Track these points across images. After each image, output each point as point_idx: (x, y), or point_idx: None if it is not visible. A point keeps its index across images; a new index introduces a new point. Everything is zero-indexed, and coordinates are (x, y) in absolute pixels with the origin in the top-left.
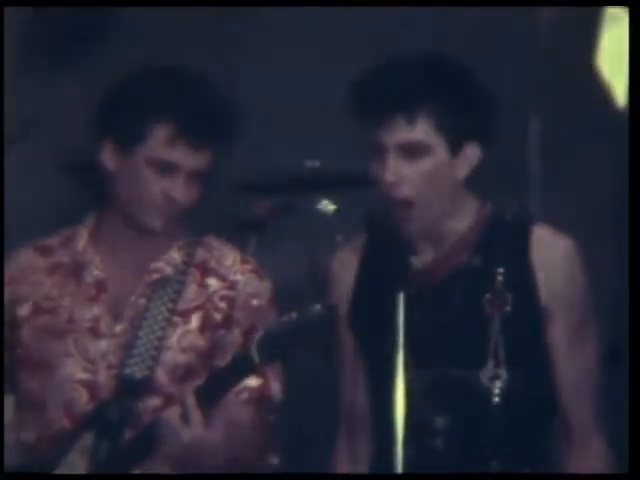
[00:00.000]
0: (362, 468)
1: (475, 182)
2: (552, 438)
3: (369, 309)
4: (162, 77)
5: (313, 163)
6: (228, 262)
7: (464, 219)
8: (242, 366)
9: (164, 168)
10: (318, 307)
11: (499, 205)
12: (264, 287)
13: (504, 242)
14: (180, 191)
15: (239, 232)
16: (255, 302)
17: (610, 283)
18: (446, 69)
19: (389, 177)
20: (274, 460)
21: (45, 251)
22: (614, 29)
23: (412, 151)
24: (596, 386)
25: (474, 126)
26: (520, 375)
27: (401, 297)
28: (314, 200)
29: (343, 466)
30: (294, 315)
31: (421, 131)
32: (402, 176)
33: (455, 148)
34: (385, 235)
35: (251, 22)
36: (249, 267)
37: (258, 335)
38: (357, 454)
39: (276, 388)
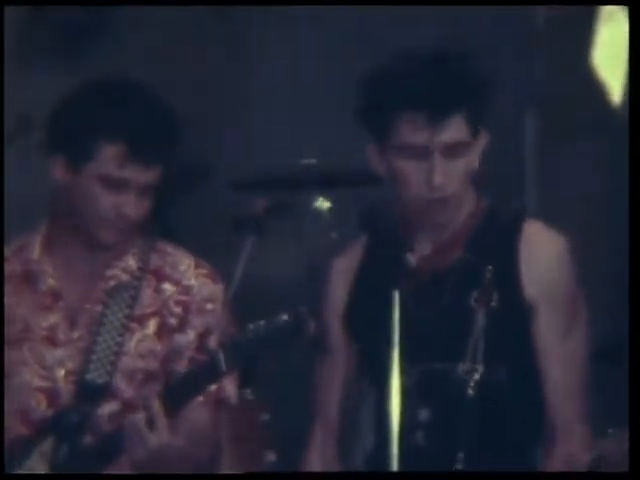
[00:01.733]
0: (350, 466)
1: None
2: (532, 433)
3: (365, 307)
4: (109, 94)
5: (309, 161)
6: (182, 267)
7: (462, 212)
8: (208, 373)
9: (115, 185)
10: (285, 316)
11: (496, 201)
12: (218, 290)
13: (496, 238)
14: (131, 206)
15: (235, 231)
16: (210, 306)
17: (608, 280)
18: (467, 65)
19: (438, 180)
20: (271, 457)
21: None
22: (612, 27)
23: (456, 150)
24: (582, 383)
25: (485, 112)
26: (498, 370)
27: (397, 295)
28: (310, 198)
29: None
30: (262, 324)
31: (462, 131)
32: (449, 177)
33: (475, 137)
34: (381, 233)
35: (252, 19)
36: (203, 271)
37: (225, 343)
38: (344, 453)
39: (231, 390)
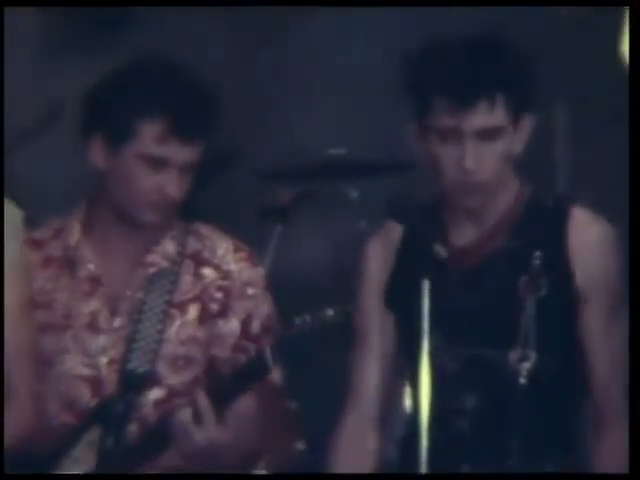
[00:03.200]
0: (390, 451)
1: (520, 159)
2: (580, 421)
3: (401, 294)
4: (149, 73)
5: (338, 151)
6: (221, 251)
7: (505, 198)
8: (256, 371)
9: (156, 164)
10: (331, 312)
11: (539, 188)
12: (258, 274)
13: (542, 225)
14: (173, 185)
15: (264, 219)
16: (251, 290)
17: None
18: (503, 50)
19: (470, 164)
20: (300, 446)
21: (37, 244)
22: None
23: (491, 134)
24: (629, 371)
25: (528, 97)
26: (550, 357)
27: (426, 284)
28: (338, 187)
29: (350, 444)
30: (308, 319)
31: (499, 115)
32: (481, 161)
33: (516, 123)
34: (410, 221)
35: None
36: (242, 255)
37: (273, 339)
38: (365, 436)
39: (276, 375)
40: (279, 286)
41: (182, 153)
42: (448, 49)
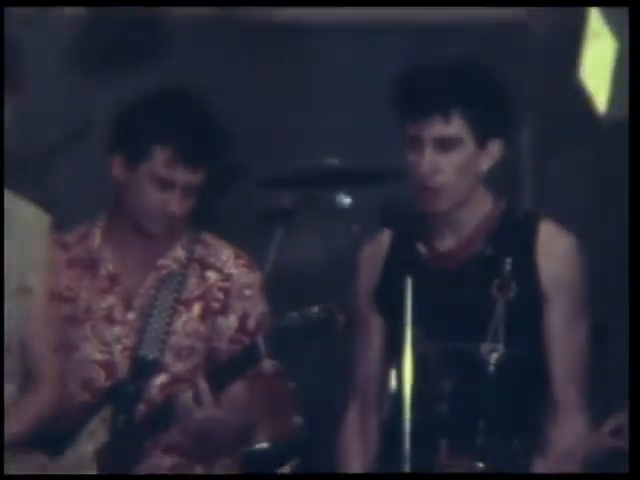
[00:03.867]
0: (372, 431)
1: (492, 179)
2: (540, 407)
3: (390, 292)
4: (163, 105)
5: (332, 161)
6: (224, 257)
7: (480, 211)
8: (250, 358)
9: (163, 184)
10: (316, 309)
11: (511, 204)
12: (255, 279)
13: (513, 236)
14: (176, 204)
15: (267, 221)
16: (248, 292)
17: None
18: (476, 74)
19: (426, 167)
20: (298, 420)
21: (64, 247)
22: (597, 45)
23: (446, 144)
24: (583, 366)
25: (499, 125)
26: (515, 350)
27: (409, 281)
28: (333, 194)
29: (355, 428)
30: (295, 316)
31: (455, 127)
32: (437, 166)
33: (482, 143)
34: (398, 225)
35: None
36: (242, 262)
37: (264, 329)
38: (368, 419)
39: (268, 366)
40: (279, 282)
41: (186, 177)
42: (420, 69)
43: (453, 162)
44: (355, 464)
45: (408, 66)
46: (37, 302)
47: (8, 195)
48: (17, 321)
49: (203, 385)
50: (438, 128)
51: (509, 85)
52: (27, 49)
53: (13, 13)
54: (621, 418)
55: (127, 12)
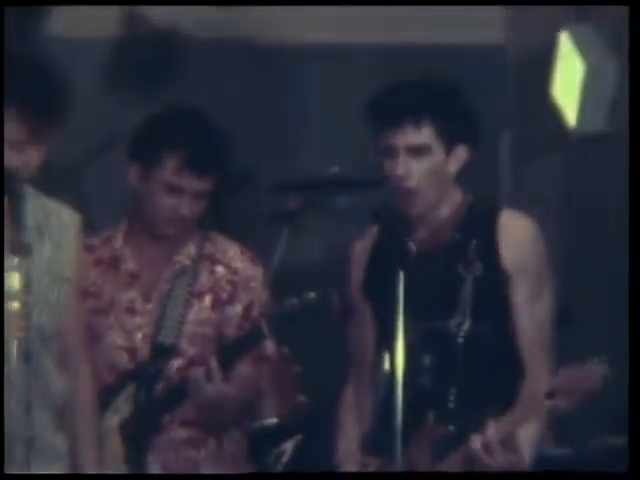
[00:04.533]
0: (366, 403)
1: (461, 177)
2: (506, 372)
3: (378, 281)
4: (175, 120)
5: (333, 169)
6: (231, 253)
7: (450, 206)
8: (254, 339)
9: (173, 191)
10: (313, 295)
11: (477, 196)
12: (259, 272)
13: (479, 223)
14: (186, 208)
15: (274, 222)
16: (252, 284)
17: (558, 252)
18: (442, 88)
19: (400, 172)
20: (302, 399)
21: (90, 249)
22: (566, 63)
23: (418, 151)
24: (546, 337)
25: (464, 132)
26: (482, 323)
27: (401, 273)
28: (333, 197)
29: (351, 405)
30: (295, 301)
31: (425, 136)
32: (410, 171)
33: (449, 149)
34: (389, 225)
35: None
36: (247, 257)
37: (267, 314)
38: (363, 393)
39: (270, 347)
40: (285, 275)
41: (194, 184)
42: (392, 85)
43: (423, 167)
44: (352, 442)
45: (383, 82)
46: (69, 296)
47: (46, 198)
48: (54, 311)
49: (213, 363)
50: (410, 137)
51: (474, 97)
52: (64, 71)
53: (52, 37)
54: (554, 382)
55: (148, 35)
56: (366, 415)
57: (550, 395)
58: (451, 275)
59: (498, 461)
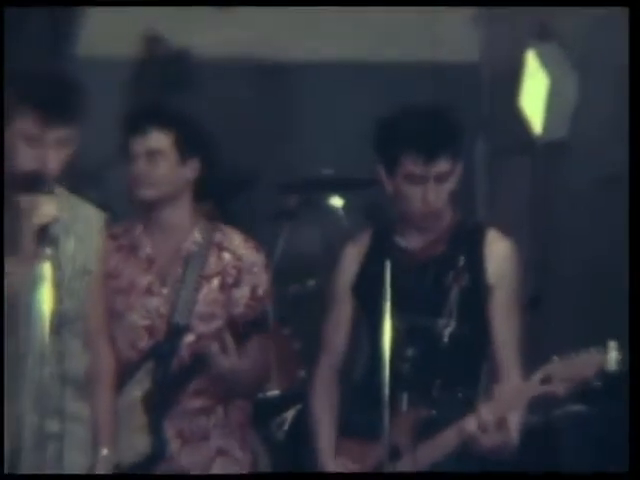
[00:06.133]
0: (335, 389)
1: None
2: (482, 368)
3: (368, 278)
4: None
5: (328, 171)
6: (236, 242)
7: (444, 221)
8: (262, 319)
9: (148, 156)
10: (312, 282)
11: (465, 215)
12: (261, 259)
13: (466, 239)
14: (153, 169)
15: (275, 219)
16: (255, 269)
17: (527, 256)
18: (449, 118)
19: (432, 198)
20: (301, 374)
21: (113, 236)
22: (534, 77)
23: (442, 179)
24: (519, 337)
25: (460, 150)
26: (464, 326)
27: (389, 264)
28: (328, 197)
29: (324, 386)
30: (296, 287)
31: (445, 164)
32: (438, 196)
33: (455, 165)
34: (381, 224)
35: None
36: (251, 245)
37: (272, 299)
38: (332, 379)
39: (277, 328)
40: (285, 267)
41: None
42: (408, 119)
43: (446, 190)
44: (327, 417)
45: (388, 115)
46: (95, 282)
47: (73, 197)
48: (79, 297)
49: (228, 338)
50: (439, 167)
51: (455, 112)
52: (89, 87)
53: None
54: (548, 369)
55: (164, 54)
56: (336, 400)
57: (545, 381)
58: (441, 283)
59: (493, 440)
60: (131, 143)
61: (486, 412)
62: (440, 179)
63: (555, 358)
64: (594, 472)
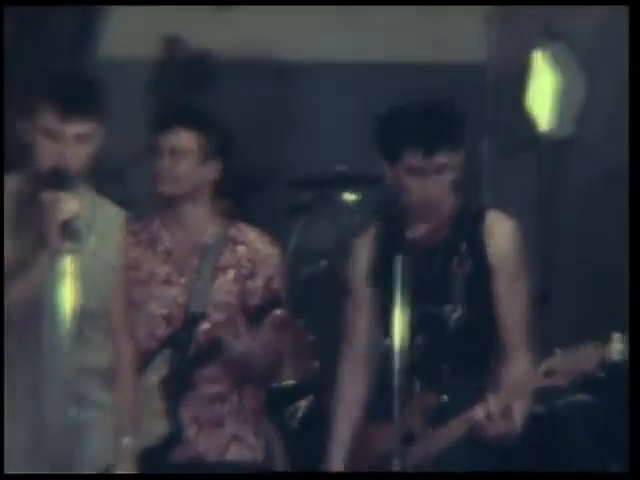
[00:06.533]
0: (363, 376)
1: (456, 182)
2: (491, 353)
3: (378, 268)
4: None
5: (341, 167)
6: (251, 236)
7: (446, 208)
8: (275, 301)
9: (171, 154)
10: (324, 263)
11: (466, 200)
12: (276, 252)
13: (468, 223)
14: (173, 166)
15: (291, 213)
16: (270, 261)
17: (534, 245)
18: (449, 113)
19: (432, 190)
20: (315, 364)
21: (133, 233)
22: (541, 76)
23: (440, 170)
24: (524, 320)
25: (460, 141)
26: (471, 311)
27: (400, 257)
28: (341, 193)
29: (349, 376)
30: (308, 270)
31: (447, 156)
32: (438, 187)
33: (456, 157)
34: (390, 216)
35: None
36: (265, 239)
37: (284, 285)
38: (358, 368)
39: (285, 315)
40: (300, 259)
41: (187, 142)
42: (407, 115)
43: (446, 180)
44: (354, 405)
45: (387, 113)
46: (116, 277)
47: (94, 194)
48: (101, 292)
49: (241, 324)
50: (439, 160)
51: (462, 108)
52: (110, 87)
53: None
54: (552, 362)
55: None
56: (361, 385)
57: (549, 374)
58: (446, 269)
59: (498, 428)
60: (158, 140)
61: (493, 402)
62: (439, 171)
63: (558, 351)
64: (594, 472)
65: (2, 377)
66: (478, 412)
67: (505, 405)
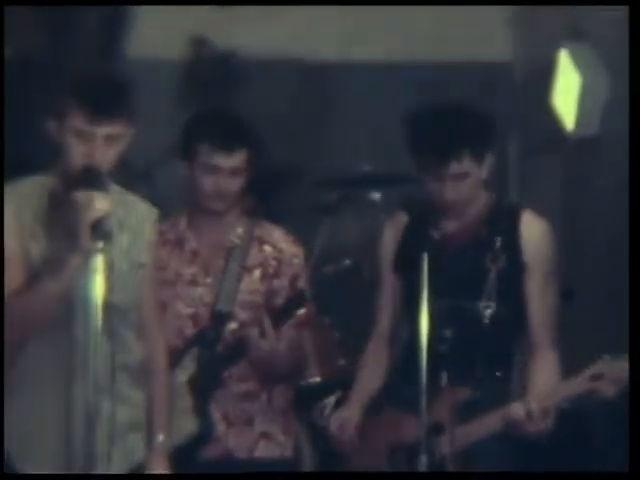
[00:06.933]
0: (384, 359)
1: (488, 180)
2: (521, 347)
3: (406, 261)
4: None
5: (368, 167)
6: (276, 236)
7: (478, 205)
8: (299, 300)
9: (212, 170)
10: (348, 262)
11: (500, 197)
12: (300, 251)
13: (502, 221)
14: (226, 183)
15: (318, 213)
16: (295, 260)
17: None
18: (474, 116)
19: (449, 196)
20: (341, 362)
21: (160, 233)
22: (566, 76)
23: (461, 178)
24: (555, 319)
25: (490, 143)
26: (504, 307)
27: (425, 255)
28: (367, 192)
29: (373, 359)
30: (332, 268)
31: (465, 165)
32: (456, 193)
33: (480, 160)
34: (417, 214)
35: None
36: (290, 238)
37: (309, 283)
38: (381, 351)
39: (311, 313)
40: (326, 258)
41: (229, 162)
42: (428, 121)
43: (466, 186)
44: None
45: (417, 116)
46: (147, 274)
47: (126, 193)
48: (132, 289)
49: (267, 322)
50: (455, 168)
51: (490, 107)
52: (139, 87)
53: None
54: (598, 367)
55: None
56: (382, 371)
57: (596, 378)
58: (479, 265)
59: (536, 427)
60: (213, 158)
61: (534, 401)
62: (457, 178)
63: (606, 357)
64: (595, 472)
65: (2, 377)
66: (518, 410)
67: (545, 406)
